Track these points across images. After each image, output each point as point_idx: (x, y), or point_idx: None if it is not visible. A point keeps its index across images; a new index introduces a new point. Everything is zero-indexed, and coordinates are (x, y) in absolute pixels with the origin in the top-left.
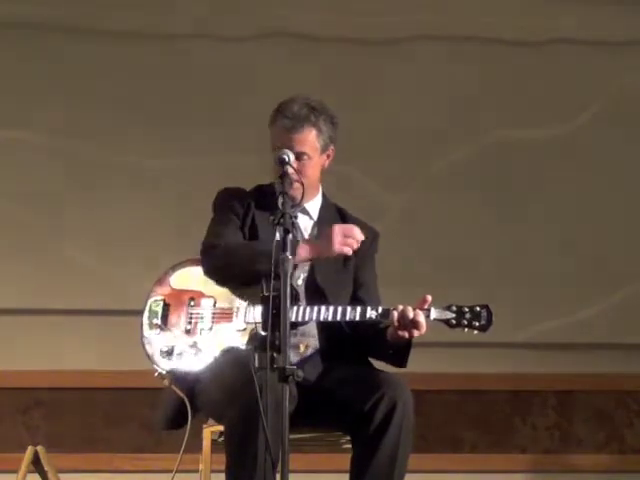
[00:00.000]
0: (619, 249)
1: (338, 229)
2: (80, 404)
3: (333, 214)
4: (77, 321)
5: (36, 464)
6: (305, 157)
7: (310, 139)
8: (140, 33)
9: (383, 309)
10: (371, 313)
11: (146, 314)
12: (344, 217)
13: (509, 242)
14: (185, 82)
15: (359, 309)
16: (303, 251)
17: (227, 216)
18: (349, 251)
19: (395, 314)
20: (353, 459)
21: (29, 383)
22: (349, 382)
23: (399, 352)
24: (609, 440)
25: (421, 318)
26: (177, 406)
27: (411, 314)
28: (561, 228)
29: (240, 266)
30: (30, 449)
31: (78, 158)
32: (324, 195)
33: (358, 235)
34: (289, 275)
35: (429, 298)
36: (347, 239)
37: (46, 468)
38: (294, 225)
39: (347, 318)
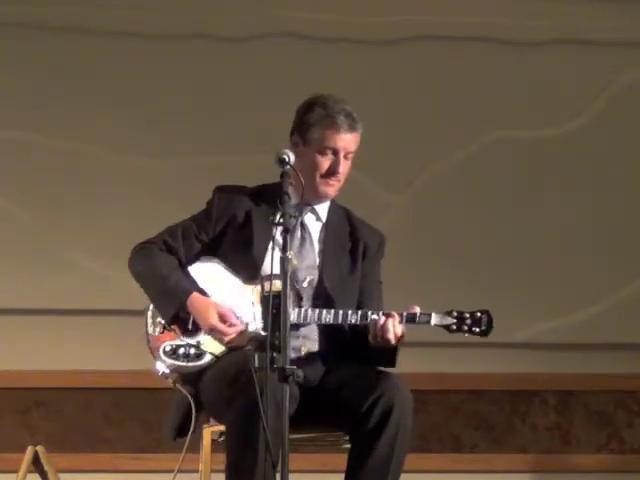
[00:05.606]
0: (619, 249)
1: (217, 312)
2: (80, 404)
3: (341, 217)
4: (77, 321)
5: (36, 464)
6: (351, 156)
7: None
8: (140, 33)
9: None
10: (372, 317)
11: (149, 313)
12: (351, 220)
13: (509, 242)
14: (185, 82)
15: (360, 312)
16: (193, 301)
17: (191, 228)
18: (216, 334)
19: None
20: (349, 457)
21: (29, 383)
22: (349, 383)
23: (387, 355)
24: (609, 440)
25: (389, 335)
26: (184, 414)
27: (379, 334)
28: (561, 228)
29: (146, 288)
30: (30, 449)
31: (78, 158)
32: (332, 198)
33: (227, 335)
34: (289, 275)
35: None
36: (220, 326)
37: (46, 468)
38: (303, 225)
39: (348, 321)
